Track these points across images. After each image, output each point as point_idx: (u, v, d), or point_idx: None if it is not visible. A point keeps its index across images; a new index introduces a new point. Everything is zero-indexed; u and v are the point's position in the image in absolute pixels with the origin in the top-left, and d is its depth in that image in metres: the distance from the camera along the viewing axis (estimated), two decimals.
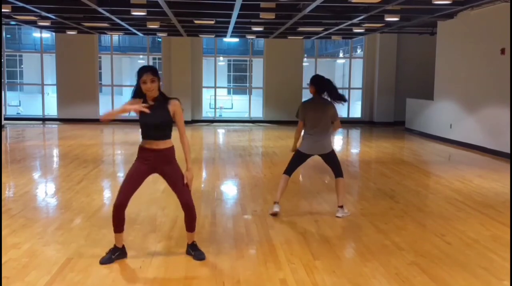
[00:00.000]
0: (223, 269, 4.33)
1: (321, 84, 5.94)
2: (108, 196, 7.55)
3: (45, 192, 7.71)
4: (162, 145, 4.35)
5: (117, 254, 4.46)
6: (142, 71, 4.28)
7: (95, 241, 4.99)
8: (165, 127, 4.35)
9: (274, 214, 5.99)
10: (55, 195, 7.37)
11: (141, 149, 4.40)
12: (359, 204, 6.46)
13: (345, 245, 5.23)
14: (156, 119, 4.27)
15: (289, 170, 6.13)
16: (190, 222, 4.52)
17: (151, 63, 20.18)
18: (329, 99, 5.90)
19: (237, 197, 7.47)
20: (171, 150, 4.41)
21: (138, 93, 4.34)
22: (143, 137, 4.40)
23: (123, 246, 4.52)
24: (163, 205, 6.38)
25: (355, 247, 5.11)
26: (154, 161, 4.36)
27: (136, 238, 5.08)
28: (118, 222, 4.38)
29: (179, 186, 4.42)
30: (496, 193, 7.58)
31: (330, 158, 6.07)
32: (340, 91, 5.97)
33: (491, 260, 4.67)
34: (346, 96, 6.54)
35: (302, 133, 6.06)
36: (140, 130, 4.40)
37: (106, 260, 4.39)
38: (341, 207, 6.07)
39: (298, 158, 6.12)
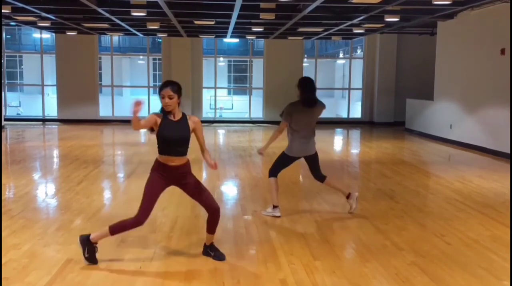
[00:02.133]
0: (223, 269, 4.34)
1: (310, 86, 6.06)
2: (108, 196, 7.56)
3: (45, 192, 7.71)
4: (179, 161, 4.35)
5: (92, 251, 4.38)
6: (162, 86, 4.26)
7: None
8: (185, 144, 4.35)
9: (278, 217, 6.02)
10: (55, 196, 7.37)
11: (159, 164, 4.36)
12: (359, 204, 6.44)
13: (345, 245, 5.23)
14: (178, 135, 4.28)
15: (275, 172, 6.11)
16: (214, 223, 4.54)
17: (151, 64, 20.18)
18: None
19: (237, 198, 7.47)
20: (187, 164, 4.43)
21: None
22: (161, 152, 4.33)
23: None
24: (163, 205, 6.37)
25: (355, 248, 5.12)
26: (171, 176, 4.37)
27: (136, 239, 5.08)
28: (124, 231, 4.47)
29: (200, 193, 4.47)
30: (496, 193, 7.58)
31: (315, 159, 6.12)
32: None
33: (491, 260, 4.67)
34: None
35: (291, 137, 5.99)
36: (157, 144, 4.33)
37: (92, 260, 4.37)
38: (349, 195, 6.17)
39: (285, 161, 6.10)
